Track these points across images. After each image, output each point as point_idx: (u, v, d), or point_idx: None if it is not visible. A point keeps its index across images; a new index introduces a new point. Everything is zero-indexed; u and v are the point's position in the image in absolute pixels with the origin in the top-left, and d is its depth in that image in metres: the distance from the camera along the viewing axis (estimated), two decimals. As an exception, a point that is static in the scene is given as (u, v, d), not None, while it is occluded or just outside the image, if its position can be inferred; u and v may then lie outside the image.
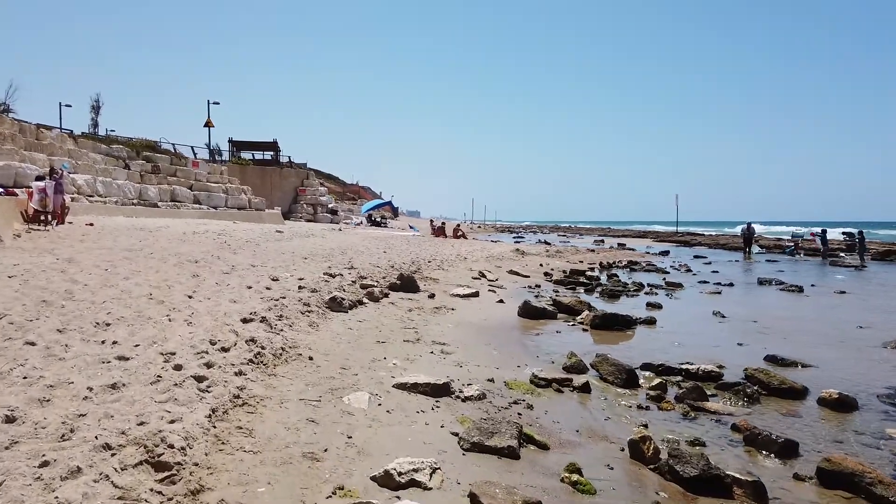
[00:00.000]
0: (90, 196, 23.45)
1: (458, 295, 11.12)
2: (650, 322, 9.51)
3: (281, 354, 5.42)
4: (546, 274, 16.94)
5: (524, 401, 5.14)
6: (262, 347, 5.38)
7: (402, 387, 5.03)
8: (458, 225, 36.75)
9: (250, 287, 8.75)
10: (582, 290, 14.09)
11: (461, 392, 5.10)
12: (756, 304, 12.28)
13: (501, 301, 11.00)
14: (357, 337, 6.83)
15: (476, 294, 11.31)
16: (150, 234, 14.47)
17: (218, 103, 46.53)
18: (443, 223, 34.81)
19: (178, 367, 4.41)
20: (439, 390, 5.00)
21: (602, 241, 45.55)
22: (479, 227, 79.14)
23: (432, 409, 4.66)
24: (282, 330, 6.29)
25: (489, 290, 12.43)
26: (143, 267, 9.29)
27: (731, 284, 15.44)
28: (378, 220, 48.64)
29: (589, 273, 17.07)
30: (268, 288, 8.88)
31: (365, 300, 9.09)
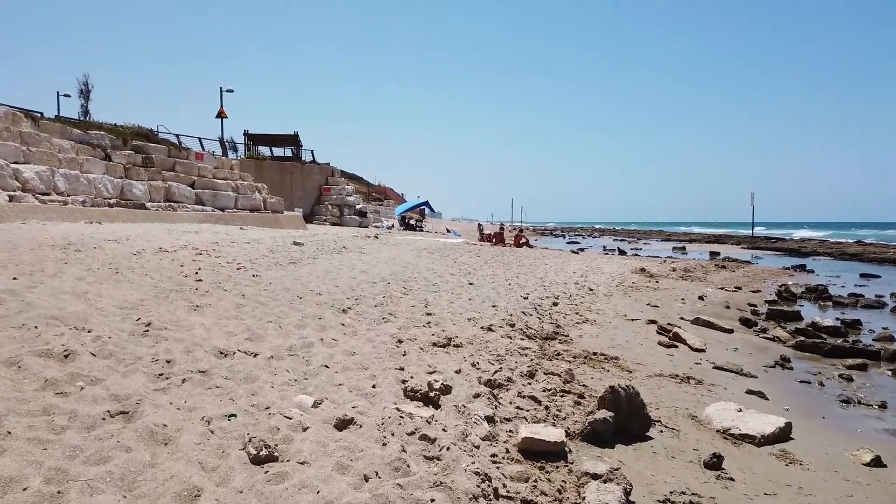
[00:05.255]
0: (44, 194, 17.06)
1: (738, 435, 4.26)
2: None
3: None
4: (744, 321, 9.94)
5: None
6: None
7: None
8: (521, 230, 29.80)
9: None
10: (888, 372, 7.10)
11: None
12: None
13: None
14: None
15: (785, 433, 4.40)
16: (76, 254, 7.80)
17: (231, 91, 40.22)
18: (501, 227, 27.93)
19: None
20: None
21: (683, 248, 38.00)
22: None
23: None
24: None
25: (747, 392, 5.57)
26: None
27: None
28: (413, 223, 41.92)
29: (818, 321, 10.00)
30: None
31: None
